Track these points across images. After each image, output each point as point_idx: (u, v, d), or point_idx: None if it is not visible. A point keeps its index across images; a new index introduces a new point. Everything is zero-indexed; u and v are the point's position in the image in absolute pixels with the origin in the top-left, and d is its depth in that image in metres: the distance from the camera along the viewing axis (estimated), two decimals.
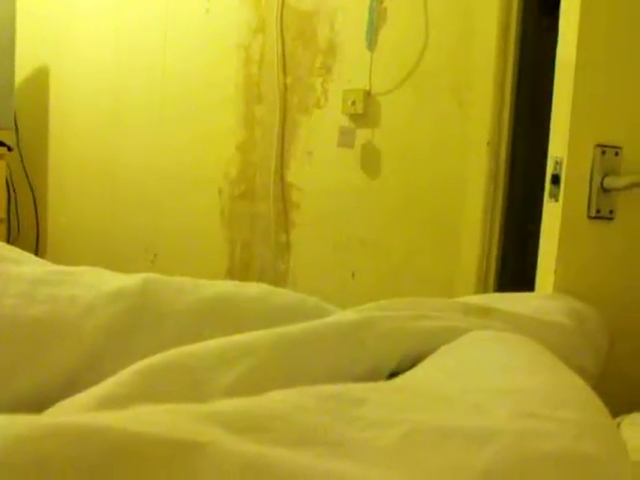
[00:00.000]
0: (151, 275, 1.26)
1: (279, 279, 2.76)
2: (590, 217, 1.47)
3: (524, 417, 0.67)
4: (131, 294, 1.19)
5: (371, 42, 2.48)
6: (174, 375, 0.92)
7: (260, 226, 2.83)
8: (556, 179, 1.47)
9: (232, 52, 2.77)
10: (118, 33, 3.06)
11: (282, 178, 2.74)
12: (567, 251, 1.46)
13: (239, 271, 2.89)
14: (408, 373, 0.92)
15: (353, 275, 2.54)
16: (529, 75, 2.28)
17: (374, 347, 1.06)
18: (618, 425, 1.14)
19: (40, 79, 3.42)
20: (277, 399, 0.67)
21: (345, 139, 2.55)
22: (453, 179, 2.36)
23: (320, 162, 2.64)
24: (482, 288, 2.32)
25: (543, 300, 1.46)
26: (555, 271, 1.46)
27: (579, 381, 0.88)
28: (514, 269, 2.34)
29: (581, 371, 1.35)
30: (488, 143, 2.27)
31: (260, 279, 2.82)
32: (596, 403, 0.80)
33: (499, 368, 0.86)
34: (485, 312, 1.23)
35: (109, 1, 3.10)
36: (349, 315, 1.12)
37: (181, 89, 2.88)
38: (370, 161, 2.50)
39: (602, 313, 1.44)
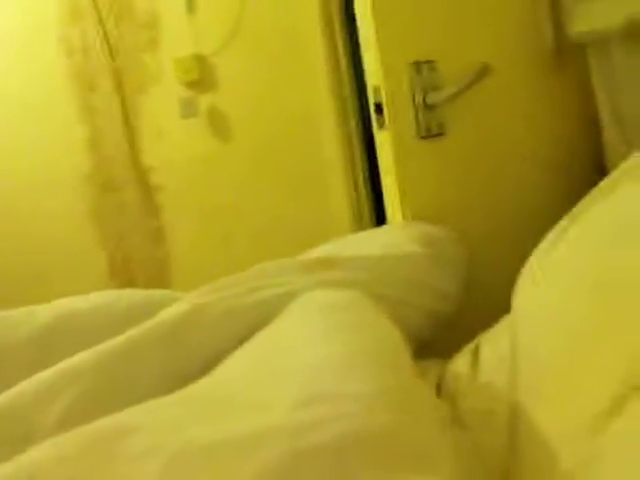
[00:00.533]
0: None
1: (161, 264, 2.67)
2: (422, 137, 1.44)
3: (308, 403, 0.64)
4: None
5: (191, 5, 2.38)
6: (1, 424, 0.88)
7: (129, 216, 2.73)
8: (379, 107, 1.43)
9: (53, 46, 2.62)
10: None
11: (137, 163, 2.64)
12: (406, 176, 1.43)
13: (120, 267, 2.79)
14: (215, 369, 0.88)
15: (227, 241, 2.48)
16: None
17: (204, 336, 1.01)
18: (477, 345, 1.12)
19: None
20: (26, 461, 0.62)
21: (187, 109, 2.46)
22: (304, 124, 2.31)
23: (170, 138, 2.55)
24: (358, 228, 2.30)
25: (392, 232, 1.43)
26: (400, 199, 1.43)
27: (387, 341, 0.85)
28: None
29: (443, 296, 1.33)
30: (330, 85, 2.23)
31: (143, 270, 2.73)
32: (396, 364, 0.78)
33: (297, 344, 0.83)
34: (327, 264, 1.19)
35: None
36: (176, 308, 1.07)
37: (8, 93, 2.72)
38: (218, 126, 2.43)
39: (454, 230, 1.42)
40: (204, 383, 0.82)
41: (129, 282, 2.74)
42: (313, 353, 0.77)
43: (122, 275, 2.79)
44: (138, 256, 2.76)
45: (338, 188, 2.27)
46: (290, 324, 0.94)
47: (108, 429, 0.65)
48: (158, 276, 2.68)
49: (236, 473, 0.55)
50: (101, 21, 2.56)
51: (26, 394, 0.93)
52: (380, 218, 2.28)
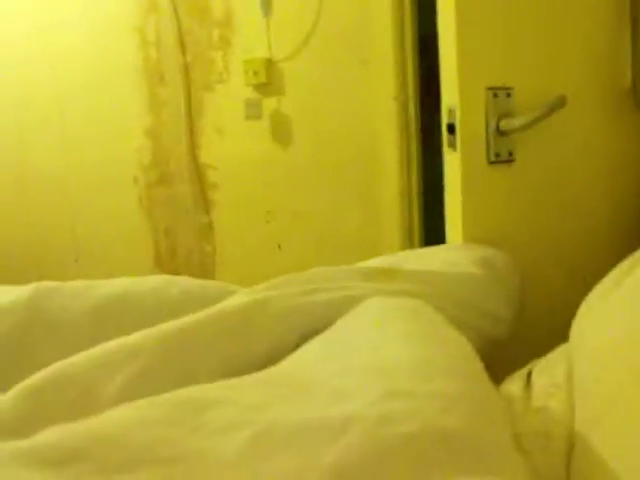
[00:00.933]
0: (42, 284, 1.23)
1: (206, 261, 2.71)
2: (490, 162, 1.46)
3: (387, 397, 0.65)
4: (19, 309, 1.15)
5: (266, 9, 2.42)
6: (60, 389, 0.89)
7: (180, 210, 2.77)
8: (452, 128, 1.45)
9: (127, 35, 2.68)
10: (11, 32, 2.94)
11: (195, 159, 2.68)
12: (471, 199, 1.45)
13: (166, 258, 2.83)
14: (286, 359, 0.89)
15: (279, 247, 2.50)
16: (429, 24, 2.25)
17: (267, 329, 1.03)
18: (529, 371, 1.13)
19: None
20: (116, 416, 0.64)
21: (252, 111, 2.50)
22: (365, 138, 2.33)
23: (231, 137, 2.59)
24: (408, 245, 2.31)
25: (452, 251, 1.44)
26: (462, 220, 1.45)
27: (460, 348, 0.87)
28: (437, 222, 2.34)
29: (498, 320, 1.34)
30: (395, 98, 2.25)
31: (187, 263, 2.77)
32: (471, 370, 0.79)
33: (375, 343, 0.84)
34: (388, 275, 1.21)
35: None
36: (238, 299, 1.09)
37: (79, 80, 2.79)
38: (280, 130, 2.46)
39: (514, 257, 1.43)
40: (283, 367, 0.84)
41: (173, 274, 2.78)
42: (393, 352, 0.79)
43: (166, 267, 2.83)
44: (184, 250, 2.80)
45: (392, 204, 2.28)
46: (364, 324, 0.96)
47: (192, 398, 0.67)
48: (201, 273, 2.71)
49: (320, 455, 0.56)
50: (176, 15, 2.62)
51: (88, 362, 0.95)
52: (429, 237, 2.29)
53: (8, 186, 3.02)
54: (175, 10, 2.61)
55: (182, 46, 2.63)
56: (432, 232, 2.31)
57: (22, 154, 2.95)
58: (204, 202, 2.70)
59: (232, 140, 2.59)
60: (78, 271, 2.93)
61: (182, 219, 2.77)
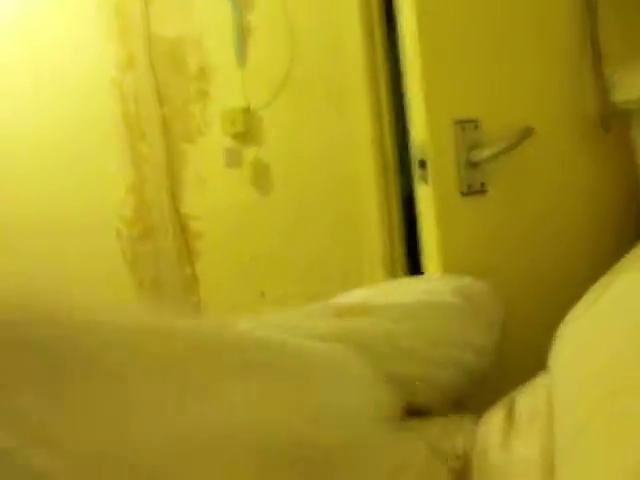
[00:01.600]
0: None
1: (193, 312, 2.69)
2: (463, 193, 1.46)
3: None
4: None
5: (240, 59, 2.45)
6: None
7: (164, 263, 2.76)
8: (423, 163, 1.46)
9: (105, 90, 2.71)
10: None
11: (178, 210, 2.69)
12: (446, 231, 1.45)
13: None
14: None
15: (263, 294, 2.49)
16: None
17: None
18: (512, 399, 1.12)
19: None
20: None
21: (232, 159, 2.51)
22: (345, 181, 2.34)
23: (212, 187, 2.60)
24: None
25: (430, 282, 1.44)
26: (438, 252, 1.45)
27: None
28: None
29: (477, 350, 1.33)
30: (372, 139, 2.26)
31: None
32: None
33: None
34: (359, 311, 1.20)
35: None
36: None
37: (60, 136, 2.80)
38: (260, 178, 2.47)
39: (492, 286, 1.43)
40: None
41: None
42: None
43: None
44: (170, 303, 2.78)
45: (374, 246, 2.29)
46: None
47: None
48: None
49: None
50: (153, 69, 2.65)
51: None
52: (413, 272, 2.29)
53: None
54: (152, 64, 2.64)
55: (160, 99, 2.66)
56: (415, 267, 2.31)
57: (5, 215, 2.95)
58: (188, 253, 2.69)
59: (214, 190, 2.59)
60: None
61: (166, 272, 2.76)
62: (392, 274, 2.27)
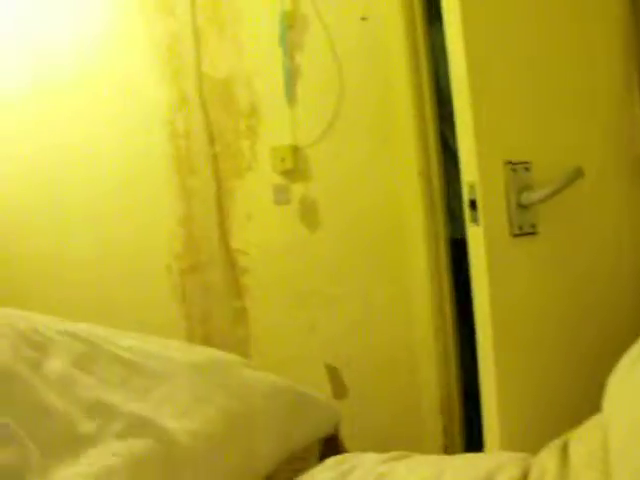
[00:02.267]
0: None
1: (240, 346, 2.72)
2: (514, 235, 1.48)
3: None
4: None
5: (290, 98, 2.51)
6: None
7: (213, 296, 2.80)
8: (473, 203, 1.48)
9: (158, 129, 2.78)
10: (39, 124, 3.05)
11: (227, 245, 2.73)
12: (497, 271, 1.46)
13: (200, 345, 2.85)
14: None
15: (312, 329, 2.52)
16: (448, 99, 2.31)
17: None
18: (565, 442, 1.13)
19: None
20: None
21: (280, 196, 2.55)
22: (392, 216, 2.37)
23: (261, 223, 2.64)
24: (439, 321, 2.31)
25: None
26: (489, 292, 1.46)
27: None
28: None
29: None
30: (419, 173, 2.29)
31: (222, 350, 2.78)
32: None
33: None
34: None
35: (26, 96, 3.09)
36: None
37: (113, 173, 2.88)
38: (309, 214, 2.51)
39: (539, 324, 1.44)
40: None
41: None
42: None
43: None
44: (218, 337, 2.82)
45: (422, 280, 2.30)
46: None
47: None
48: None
49: None
50: (204, 107, 2.71)
51: None
52: (463, 308, 2.29)
53: (47, 278, 3.09)
54: (203, 103, 2.71)
55: (211, 137, 2.72)
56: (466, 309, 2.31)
57: (58, 240, 3.02)
58: (236, 287, 2.73)
59: (262, 225, 2.64)
60: None
61: (215, 305, 2.80)
62: (440, 314, 2.28)
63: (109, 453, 1.16)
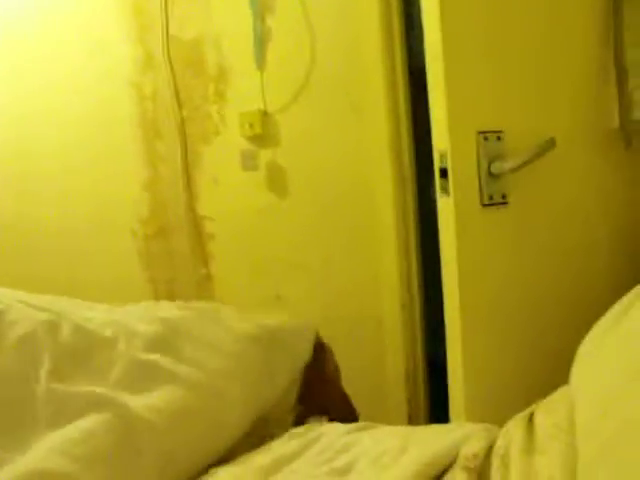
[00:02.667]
0: None
1: None
2: (484, 204, 1.46)
3: None
4: None
5: (260, 62, 2.46)
6: None
7: (179, 262, 2.77)
8: (444, 172, 1.46)
9: (123, 91, 2.72)
10: (13, 89, 2.97)
11: (193, 211, 2.70)
12: (466, 242, 1.45)
13: None
14: None
15: (278, 297, 2.50)
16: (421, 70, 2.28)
17: None
18: (532, 412, 1.12)
19: None
20: None
21: (248, 162, 2.52)
22: (361, 186, 2.35)
23: (228, 189, 2.61)
24: (406, 289, 2.30)
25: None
26: (457, 262, 1.45)
27: None
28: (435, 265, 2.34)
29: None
30: (389, 144, 2.27)
31: None
32: None
33: None
34: None
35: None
36: None
37: (78, 135, 2.81)
38: (276, 181, 2.48)
39: (513, 295, 1.43)
40: None
41: None
42: None
43: None
44: (183, 302, 2.79)
45: (389, 251, 2.29)
46: None
47: None
48: None
49: None
50: (172, 70, 2.66)
51: None
52: (429, 281, 2.29)
53: (8, 235, 3.02)
54: (171, 65, 2.65)
55: (178, 100, 2.67)
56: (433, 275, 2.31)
57: (22, 205, 2.96)
58: (202, 254, 2.70)
59: (229, 191, 2.60)
60: None
61: (181, 271, 2.77)
62: (407, 282, 2.27)
63: (66, 432, 1.13)
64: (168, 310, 1.62)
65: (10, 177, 2.96)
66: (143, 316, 1.56)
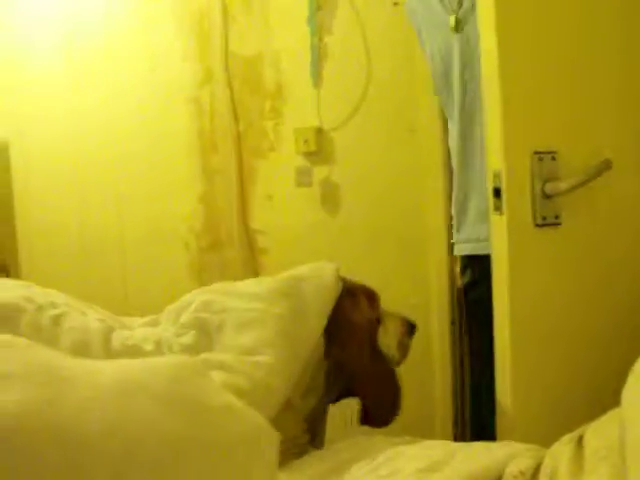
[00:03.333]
0: None
1: None
2: (537, 225, 1.46)
3: None
4: None
5: (316, 79, 2.49)
6: None
7: (230, 275, 2.80)
8: (498, 192, 1.46)
9: (182, 106, 2.78)
10: (70, 102, 3.06)
11: (246, 225, 2.73)
12: (518, 261, 1.45)
13: None
14: None
15: None
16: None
17: None
18: (580, 434, 1.12)
19: (0, 155, 3.42)
20: None
21: (302, 178, 2.55)
22: (413, 204, 2.36)
23: (281, 204, 2.64)
24: (456, 306, 2.30)
25: None
26: (509, 282, 1.44)
27: None
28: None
29: None
30: (444, 166, 2.27)
31: None
32: None
33: None
34: None
35: (59, 74, 3.10)
36: None
37: (136, 148, 2.88)
38: (330, 197, 2.50)
39: (560, 317, 1.43)
40: None
41: None
42: None
43: None
44: None
45: (440, 268, 2.29)
46: None
47: None
48: None
49: None
50: (230, 86, 2.71)
51: None
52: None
53: (69, 240, 3.10)
54: (229, 81, 2.70)
55: (235, 115, 2.71)
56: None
57: (82, 214, 3.03)
58: (254, 267, 2.73)
59: (282, 207, 2.64)
60: None
61: None
62: (456, 297, 2.27)
63: None
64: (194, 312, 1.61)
65: (72, 186, 3.04)
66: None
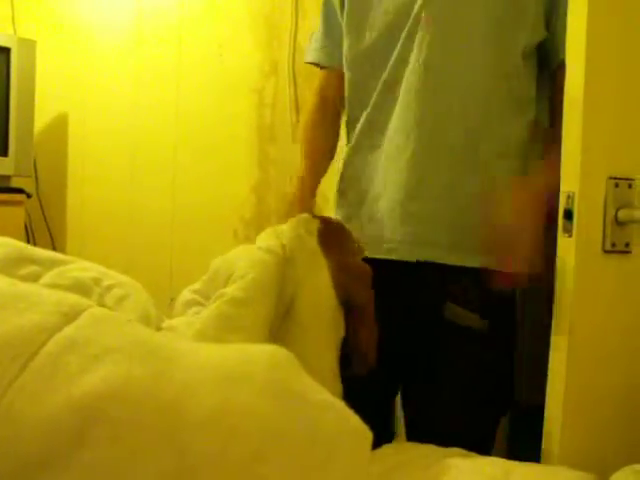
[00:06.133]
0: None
1: None
2: (605, 251, 1.45)
3: None
4: None
5: None
6: None
7: None
8: (569, 214, 1.45)
9: (245, 96, 2.80)
10: (134, 79, 3.10)
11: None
12: (583, 286, 1.44)
13: None
14: None
15: None
16: None
17: None
18: None
19: (59, 127, 3.46)
20: None
21: None
22: None
23: (332, 199, 2.63)
24: None
25: None
26: (572, 307, 1.44)
27: None
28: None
29: None
30: None
31: None
32: None
33: None
34: None
35: (126, 50, 3.15)
36: None
37: (194, 132, 2.91)
38: None
39: (621, 347, 1.42)
40: None
41: None
42: None
43: None
44: None
45: None
46: None
47: None
48: None
49: None
50: (294, 80, 2.72)
51: None
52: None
53: (118, 221, 3.14)
54: (294, 75, 2.71)
55: (296, 108, 2.72)
56: None
57: (134, 194, 3.07)
58: None
59: (333, 202, 2.63)
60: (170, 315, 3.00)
61: None
62: None
63: None
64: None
65: (127, 164, 3.07)
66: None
